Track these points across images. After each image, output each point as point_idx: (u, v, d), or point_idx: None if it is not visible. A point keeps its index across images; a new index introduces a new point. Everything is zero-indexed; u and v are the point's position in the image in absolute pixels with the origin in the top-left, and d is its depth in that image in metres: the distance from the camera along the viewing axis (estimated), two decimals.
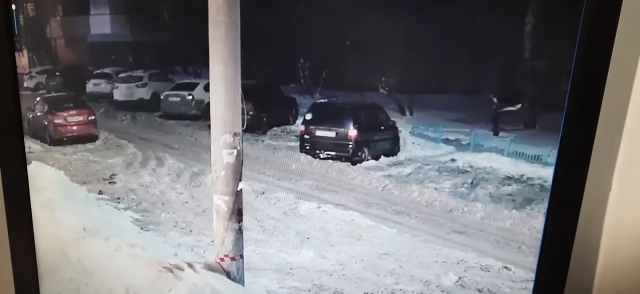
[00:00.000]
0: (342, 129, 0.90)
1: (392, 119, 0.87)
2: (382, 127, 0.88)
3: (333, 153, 0.90)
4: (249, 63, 0.87)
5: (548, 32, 0.80)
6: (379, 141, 0.90)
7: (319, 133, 0.91)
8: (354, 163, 0.90)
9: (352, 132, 0.90)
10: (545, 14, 0.79)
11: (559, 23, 0.79)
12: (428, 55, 0.85)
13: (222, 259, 0.96)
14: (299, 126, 0.91)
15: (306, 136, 0.91)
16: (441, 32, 0.83)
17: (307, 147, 0.91)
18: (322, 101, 0.88)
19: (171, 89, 0.91)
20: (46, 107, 0.94)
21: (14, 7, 0.87)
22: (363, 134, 0.90)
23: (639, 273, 0.90)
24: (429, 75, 0.86)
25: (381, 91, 0.86)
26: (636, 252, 0.92)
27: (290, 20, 0.87)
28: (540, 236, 0.87)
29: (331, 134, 0.91)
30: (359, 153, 0.90)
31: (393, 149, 0.89)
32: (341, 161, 0.90)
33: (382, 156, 0.90)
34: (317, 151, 0.91)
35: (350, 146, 0.90)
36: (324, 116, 0.90)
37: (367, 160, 0.90)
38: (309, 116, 0.90)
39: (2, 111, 0.90)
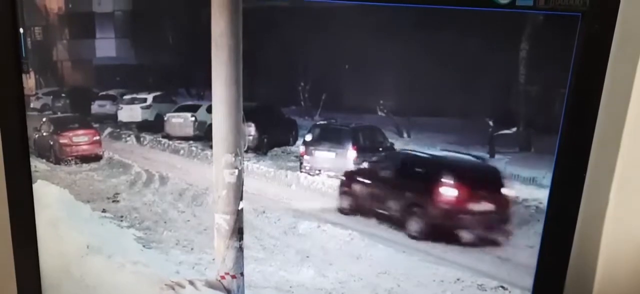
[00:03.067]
0: (342, 150, 0.88)
1: (390, 140, 0.85)
2: (380, 149, 0.86)
3: (332, 174, 0.88)
4: (251, 85, 0.86)
5: (542, 58, 0.79)
6: (381, 161, 0.88)
7: (318, 154, 0.89)
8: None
9: (351, 153, 0.88)
10: (540, 40, 0.78)
11: (553, 48, 0.79)
12: (425, 80, 0.84)
13: (222, 277, 0.94)
14: (299, 147, 0.90)
15: (306, 157, 0.89)
16: (438, 58, 0.82)
17: (307, 168, 0.89)
18: (322, 122, 0.87)
19: (174, 111, 0.90)
20: (52, 128, 0.92)
21: (21, 30, 0.86)
22: (362, 155, 0.88)
23: (638, 289, 0.89)
24: (426, 98, 0.85)
25: (379, 113, 0.84)
26: (635, 267, 0.91)
27: (291, 45, 0.86)
28: (536, 255, 0.86)
29: (330, 155, 0.89)
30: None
31: (394, 168, 0.87)
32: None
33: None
34: (317, 172, 0.89)
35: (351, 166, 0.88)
36: (323, 137, 0.88)
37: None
38: (308, 137, 0.88)
39: (9, 131, 0.89)
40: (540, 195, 0.83)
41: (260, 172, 0.92)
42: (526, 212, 0.85)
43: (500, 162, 0.83)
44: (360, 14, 0.82)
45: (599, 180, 0.85)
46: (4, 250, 0.95)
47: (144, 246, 0.96)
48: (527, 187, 0.84)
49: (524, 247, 0.86)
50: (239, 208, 0.92)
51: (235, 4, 0.82)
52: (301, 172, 0.91)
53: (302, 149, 0.90)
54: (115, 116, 0.91)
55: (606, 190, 0.95)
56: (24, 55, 0.87)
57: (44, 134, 0.92)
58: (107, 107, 0.91)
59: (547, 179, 0.82)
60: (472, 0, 0.76)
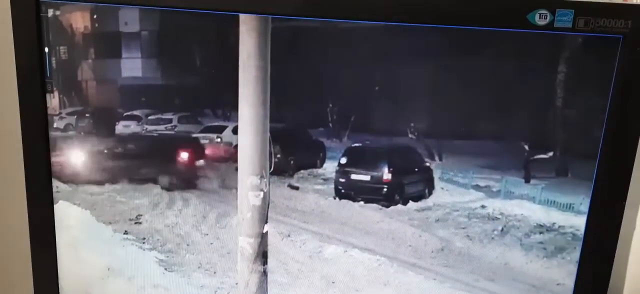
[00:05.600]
0: (377, 173, 0.84)
1: (426, 161, 0.81)
2: (416, 170, 0.82)
3: (367, 196, 0.84)
4: (278, 106, 0.83)
5: (581, 81, 0.76)
6: (413, 183, 0.84)
7: (354, 177, 0.85)
8: (386, 207, 0.84)
9: (387, 175, 0.84)
10: (578, 62, 0.74)
11: (592, 72, 0.75)
12: (458, 102, 0.80)
13: None
14: (326, 169, 0.86)
15: (341, 180, 0.85)
16: (472, 80, 0.79)
17: (342, 191, 0.85)
18: (357, 145, 0.83)
19: (200, 132, 0.86)
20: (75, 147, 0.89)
21: (46, 49, 0.83)
22: (397, 177, 0.84)
23: None
24: (459, 121, 0.81)
25: (410, 136, 0.80)
26: None
27: (319, 66, 0.83)
28: (572, 285, 0.82)
29: (366, 177, 0.85)
30: (393, 196, 0.84)
31: (426, 193, 0.83)
32: (373, 204, 0.84)
33: (412, 200, 0.84)
34: (352, 194, 0.85)
35: (385, 189, 0.84)
36: (359, 159, 0.84)
37: (402, 204, 0.84)
38: (343, 160, 0.84)
39: (32, 151, 0.86)
40: (577, 222, 0.79)
41: None
42: (562, 239, 0.80)
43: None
44: (391, 34, 0.79)
45: (626, 205, 0.81)
46: (23, 271, 0.92)
47: (165, 269, 0.93)
48: (564, 214, 0.80)
49: (559, 275, 0.82)
50: (264, 231, 0.88)
51: (263, 25, 0.80)
52: (336, 195, 0.87)
53: (336, 171, 0.86)
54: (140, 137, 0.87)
55: (634, 215, 0.92)
56: (48, 74, 0.84)
57: (68, 153, 0.89)
58: (132, 127, 0.87)
59: (585, 206, 0.78)
60: (508, 21, 0.73)
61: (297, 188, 0.87)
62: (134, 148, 0.89)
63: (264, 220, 0.88)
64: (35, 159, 0.87)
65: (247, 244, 0.89)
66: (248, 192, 0.87)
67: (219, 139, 0.87)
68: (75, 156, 0.89)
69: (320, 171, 0.86)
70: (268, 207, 0.87)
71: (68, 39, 0.85)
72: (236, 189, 0.87)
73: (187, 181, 0.89)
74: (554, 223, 0.81)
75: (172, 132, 0.86)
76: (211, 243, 0.91)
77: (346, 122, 0.82)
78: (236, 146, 0.85)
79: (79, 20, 0.84)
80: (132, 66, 0.86)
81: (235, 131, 0.84)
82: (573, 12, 0.71)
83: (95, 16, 0.84)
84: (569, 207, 0.79)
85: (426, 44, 0.78)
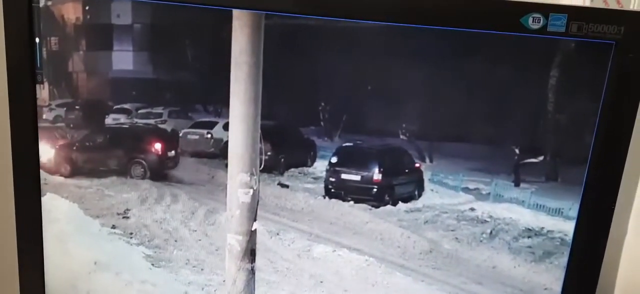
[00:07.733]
0: (367, 173, 0.83)
1: (417, 163, 0.80)
2: (407, 171, 0.81)
3: (357, 196, 0.83)
4: (269, 104, 0.82)
5: (572, 86, 0.75)
6: (403, 184, 0.83)
7: (344, 176, 0.84)
8: (376, 207, 0.83)
9: (377, 176, 0.83)
10: (571, 67, 0.74)
11: (584, 77, 0.74)
12: (450, 104, 0.79)
13: None
14: (316, 168, 0.84)
15: (331, 179, 0.84)
16: (464, 82, 0.78)
17: (332, 190, 0.84)
18: (348, 144, 0.82)
19: (190, 127, 0.85)
20: (64, 140, 0.87)
21: (37, 40, 0.82)
22: (387, 178, 0.83)
23: None
24: (450, 124, 0.80)
25: (401, 137, 0.79)
26: None
27: (312, 64, 0.82)
28: (559, 290, 0.81)
29: (356, 177, 0.84)
30: (383, 197, 0.83)
31: (416, 194, 0.82)
32: (363, 204, 0.83)
33: (402, 202, 0.83)
34: (341, 194, 0.84)
35: (375, 190, 0.83)
36: (349, 159, 0.83)
37: (391, 204, 0.83)
38: (334, 159, 0.83)
39: (20, 142, 0.84)
40: (565, 227, 0.78)
41: None
42: (551, 244, 0.80)
43: None
44: (385, 35, 0.78)
45: (618, 209, 0.80)
46: (9, 264, 0.90)
47: (152, 264, 0.91)
48: (553, 219, 0.79)
49: (547, 280, 0.81)
50: (252, 229, 0.87)
51: (257, 21, 0.78)
52: (326, 195, 0.86)
53: (327, 170, 0.85)
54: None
55: (625, 219, 0.92)
56: (38, 65, 0.82)
57: (56, 146, 0.87)
58: (121, 121, 0.86)
59: (574, 211, 0.77)
60: (501, 24, 0.72)
61: (287, 186, 0.86)
62: (123, 142, 0.88)
63: (253, 218, 0.86)
64: (24, 150, 0.85)
65: (235, 242, 0.87)
66: (237, 189, 0.85)
67: (209, 135, 0.86)
68: (64, 148, 0.87)
69: (310, 169, 0.85)
70: (257, 205, 0.86)
71: (59, 30, 0.83)
72: (225, 185, 0.85)
73: (176, 176, 0.88)
74: (542, 228, 0.80)
75: (162, 127, 0.85)
76: (199, 240, 0.90)
77: (338, 122, 0.81)
78: (226, 142, 0.84)
79: (71, 11, 0.82)
80: (123, 59, 0.84)
81: (226, 127, 0.83)
82: (566, 17, 0.70)
83: (87, 7, 0.82)
84: (558, 212, 0.78)
85: (419, 46, 0.77)
